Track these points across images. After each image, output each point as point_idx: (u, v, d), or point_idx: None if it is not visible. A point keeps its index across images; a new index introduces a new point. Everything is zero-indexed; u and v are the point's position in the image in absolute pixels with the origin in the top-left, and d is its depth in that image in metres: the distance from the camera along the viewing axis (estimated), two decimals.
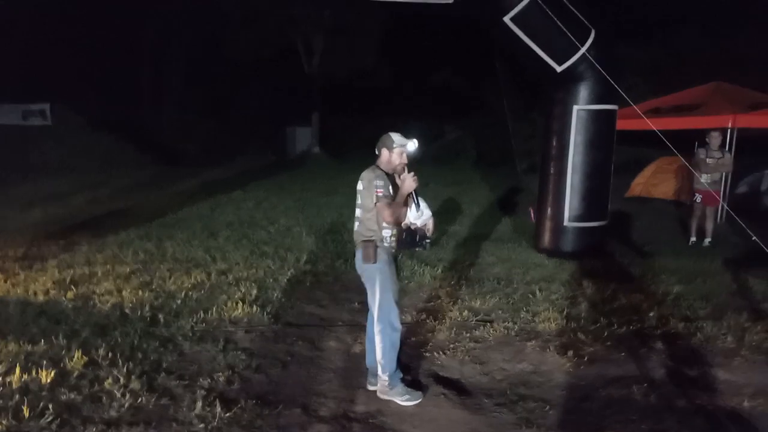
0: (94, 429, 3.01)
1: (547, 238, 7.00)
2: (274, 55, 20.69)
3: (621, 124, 7.19)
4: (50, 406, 3.14)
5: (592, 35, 6.23)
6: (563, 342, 4.31)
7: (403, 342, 4.26)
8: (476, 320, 4.78)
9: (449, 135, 22.32)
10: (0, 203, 10.70)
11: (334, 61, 20.78)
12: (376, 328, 3.41)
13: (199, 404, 3.27)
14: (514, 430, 3.18)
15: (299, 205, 10.95)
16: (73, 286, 5.41)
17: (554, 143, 6.80)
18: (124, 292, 5.25)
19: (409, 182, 3.29)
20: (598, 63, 6.05)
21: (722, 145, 7.83)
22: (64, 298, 5.08)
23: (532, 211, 8.29)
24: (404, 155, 3.41)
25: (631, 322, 4.64)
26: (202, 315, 4.72)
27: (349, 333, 4.49)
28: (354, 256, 3.57)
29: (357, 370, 3.84)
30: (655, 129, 5.24)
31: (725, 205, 7.67)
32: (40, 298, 5.13)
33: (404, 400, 3.42)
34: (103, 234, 7.75)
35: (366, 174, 3.39)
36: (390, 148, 3.40)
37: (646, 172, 11.21)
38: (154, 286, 5.51)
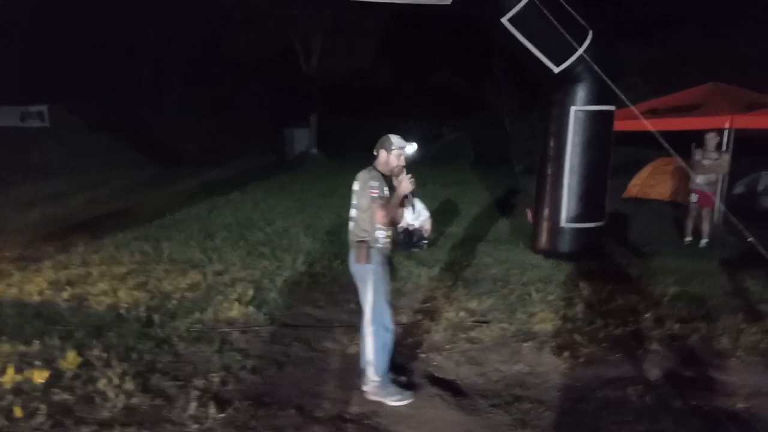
0: (87, 429, 3.00)
1: (544, 239, 6.99)
2: (274, 56, 20.68)
3: (619, 125, 7.19)
4: (43, 406, 3.13)
5: (590, 36, 6.24)
6: (559, 343, 4.30)
7: (400, 343, 4.26)
8: (472, 321, 4.76)
9: (448, 136, 22.33)
10: None
11: (333, 62, 20.77)
12: (368, 329, 3.40)
13: (194, 405, 3.26)
14: (510, 431, 3.18)
15: (297, 206, 10.93)
16: (68, 287, 5.39)
17: (552, 144, 6.79)
18: (119, 293, 5.23)
19: (405, 184, 3.29)
20: (596, 64, 6.05)
21: (719, 146, 7.83)
22: (59, 299, 5.07)
23: (529, 212, 8.29)
24: (402, 158, 3.42)
25: (627, 323, 4.63)
26: (197, 315, 4.71)
27: (345, 334, 4.48)
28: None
29: (353, 371, 3.82)
30: (652, 130, 5.23)
31: (722, 206, 7.68)
32: (35, 298, 5.11)
33: (394, 400, 3.41)
34: (100, 235, 7.72)
35: (362, 175, 3.39)
36: (388, 150, 3.41)
37: (643, 173, 11.21)
38: (149, 287, 5.49)
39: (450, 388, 3.66)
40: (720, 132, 8.05)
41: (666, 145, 4.93)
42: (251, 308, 4.92)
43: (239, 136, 22.44)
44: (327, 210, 10.25)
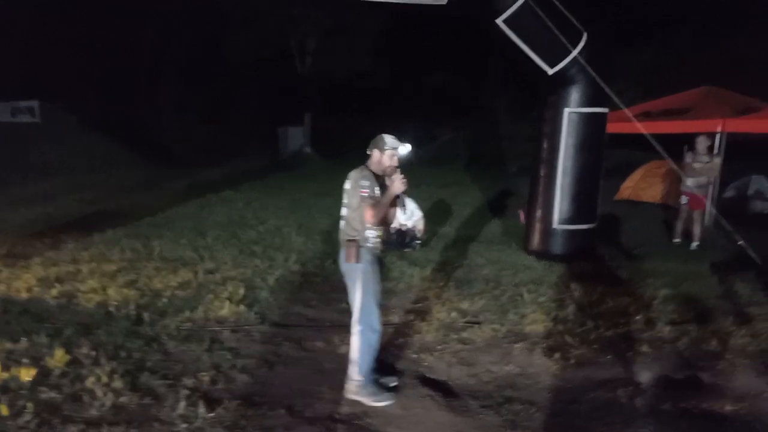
0: (74, 428, 2.96)
1: (536, 240, 7.01)
2: (273, 55, 20.62)
3: (612, 128, 7.21)
4: (30, 404, 3.10)
5: (584, 38, 6.26)
6: (551, 344, 4.31)
7: (391, 343, 4.26)
8: (464, 322, 4.76)
9: (442, 137, 22.33)
10: None
11: (328, 61, 20.74)
12: (355, 329, 3.39)
13: (183, 404, 3.23)
14: None
15: (290, 205, 10.91)
16: (57, 284, 5.35)
17: (545, 146, 6.81)
18: (109, 291, 5.18)
19: (397, 184, 3.27)
20: (590, 66, 6.07)
21: (710, 150, 7.88)
22: (47, 296, 5.02)
23: (521, 213, 8.31)
24: (395, 158, 3.41)
25: (618, 325, 4.64)
26: (188, 314, 4.68)
27: (336, 333, 4.46)
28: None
29: (343, 371, 3.78)
30: (645, 133, 5.26)
31: (713, 209, 7.72)
32: (24, 295, 5.06)
33: (373, 401, 3.39)
34: (91, 232, 7.66)
35: (353, 174, 3.38)
36: (381, 150, 3.39)
37: (635, 176, 11.25)
38: (139, 285, 5.45)
39: (441, 388, 3.65)
40: (711, 135, 8.10)
41: (659, 147, 4.96)
42: (242, 307, 4.89)
43: (238, 136, 22.38)
44: (320, 209, 10.23)
